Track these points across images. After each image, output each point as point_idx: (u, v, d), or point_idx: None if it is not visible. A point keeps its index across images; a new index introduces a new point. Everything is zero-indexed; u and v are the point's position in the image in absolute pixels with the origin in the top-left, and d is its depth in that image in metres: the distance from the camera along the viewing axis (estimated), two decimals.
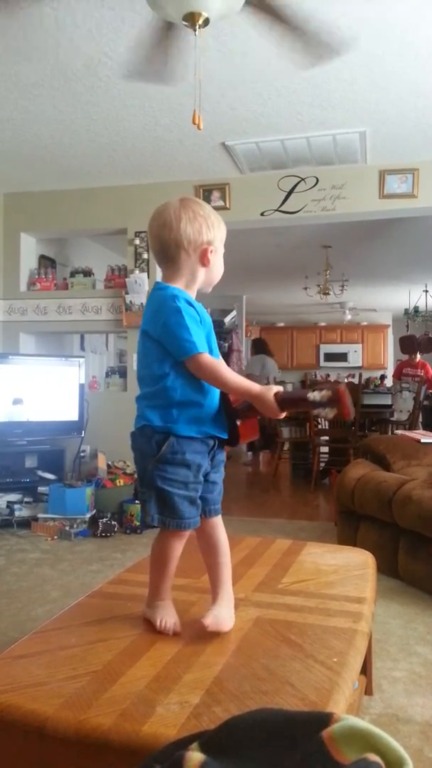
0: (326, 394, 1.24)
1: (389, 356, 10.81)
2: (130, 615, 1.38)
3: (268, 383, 1.39)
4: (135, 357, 4.64)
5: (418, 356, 8.06)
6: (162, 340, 1.28)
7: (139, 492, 1.37)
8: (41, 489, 4.09)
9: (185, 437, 1.29)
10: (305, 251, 6.37)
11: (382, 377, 9.96)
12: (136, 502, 3.95)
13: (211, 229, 1.34)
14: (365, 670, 1.70)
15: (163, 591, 1.37)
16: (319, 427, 5.82)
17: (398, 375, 7.97)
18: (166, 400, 1.29)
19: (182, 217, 1.32)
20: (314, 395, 1.25)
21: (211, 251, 1.35)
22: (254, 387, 1.27)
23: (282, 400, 1.26)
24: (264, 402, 1.26)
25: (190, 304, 1.30)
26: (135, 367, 1.28)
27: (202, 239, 1.33)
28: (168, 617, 1.31)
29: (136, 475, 1.34)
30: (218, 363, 1.28)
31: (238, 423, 1.35)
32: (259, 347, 7.74)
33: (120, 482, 4.08)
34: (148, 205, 4.69)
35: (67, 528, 3.73)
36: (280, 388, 1.28)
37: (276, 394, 1.26)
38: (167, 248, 1.34)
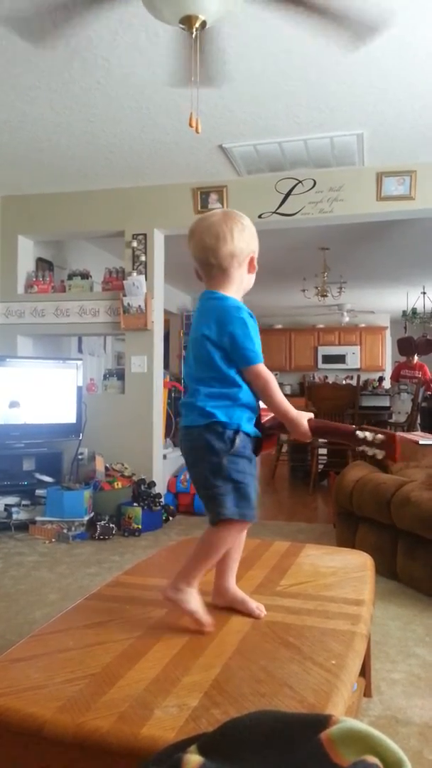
0: (380, 438, 1.36)
1: (387, 358, 10.81)
2: (128, 618, 1.38)
3: None
4: (133, 359, 4.59)
5: (416, 358, 8.07)
6: (228, 349, 1.37)
7: (208, 487, 1.37)
8: (39, 492, 4.08)
9: (248, 434, 1.39)
10: (303, 253, 6.38)
11: (381, 379, 9.96)
12: (134, 504, 3.95)
13: (254, 239, 1.47)
14: (364, 672, 1.69)
15: (200, 579, 1.41)
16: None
17: (396, 377, 7.98)
18: (235, 401, 1.38)
19: (234, 230, 1.42)
20: (365, 434, 1.37)
21: (254, 259, 1.47)
22: (291, 410, 1.40)
23: (315, 428, 1.40)
24: (298, 426, 1.39)
25: (251, 316, 1.41)
26: (185, 367, 1.41)
27: (250, 249, 1.45)
28: (201, 604, 1.37)
29: (203, 471, 1.33)
30: (272, 377, 1.40)
31: (263, 437, 1.46)
32: None
33: (118, 485, 4.08)
34: (145, 207, 4.74)
35: (65, 531, 3.73)
36: (311, 415, 1.42)
37: (309, 420, 1.40)
38: (222, 260, 1.42)
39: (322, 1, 2.39)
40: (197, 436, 1.37)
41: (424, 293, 8.40)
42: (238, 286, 1.46)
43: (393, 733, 1.59)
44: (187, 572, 1.39)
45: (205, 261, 1.43)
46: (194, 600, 1.35)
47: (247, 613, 1.40)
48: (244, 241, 1.42)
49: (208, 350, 1.37)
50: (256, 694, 1.03)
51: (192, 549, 1.41)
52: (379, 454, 1.36)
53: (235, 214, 1.45)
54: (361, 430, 1.38)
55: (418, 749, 1.53)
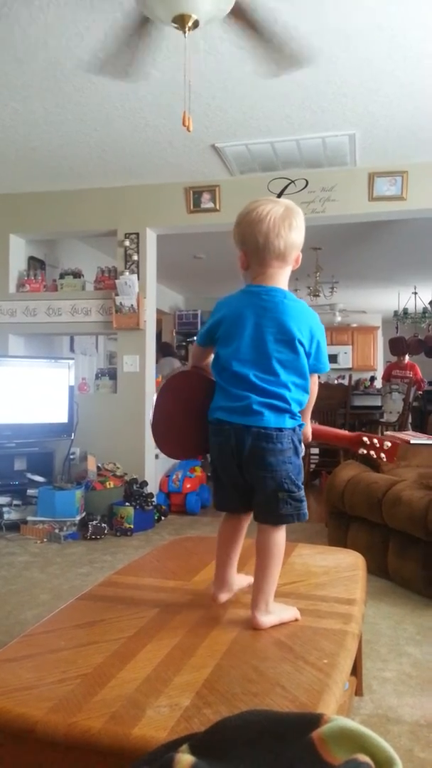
0: (388, 445, 1.52)
1: (379, 358, 10.85)
2: (120, 618, 1.37)
3: None
4: (125, 358, 4.59)
5: (407, 358, 8.10)
6: (312, 355, 1.41)
7: (292, 489, 1.37)
8: (30, 491, 4.07)
9: None
10: None
11: (372, 379, 9.99)
12: (126, 504, 3.94)
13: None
14: (355, 671, 1.70)
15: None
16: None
17: (387, 377, 8.01)
18: (302, 406, 1.43)
19: (301, 222, 1.43)
20: (366, 440, 1.55)
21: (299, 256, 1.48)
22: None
23: (315, 431, 1.57)
24: (306, 428, 1.50)
25: None
26: (276, 369, 1.37)
27: (302, 244, 1.45)
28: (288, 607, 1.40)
29: (288, 473, 1.36)
30: None
31: None
32: (166, 350, 7.74)
33: (110, 484, 4.07)
34: (138, 206, 4.73)
35: (57, 531, 3.72)
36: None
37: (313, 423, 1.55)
38: (290, 249, 1.40)
39: (269, 28, 2.50)
40: (283, 438, 1.36)
41: (416, 293, 8.43)
42: (288, 280, 1.46)
43: (384, 732, 1.60)
44: (268, 589, 1.37)
45: (276, 248, 1.38)
46: (286, 610, 1.37)
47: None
48: (302, 235, 1.43)
49: (301, 356, 1.38)
50: (248, 694, 1.03)
51: (258, 565, 1.39)
52: (384, 457, 1.52)
53: (298, 208, 1.45)
54: (363, 441, 1.54)
55: (408, 747, 1.53)
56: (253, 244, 1.39)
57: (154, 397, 1.51)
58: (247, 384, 1.36)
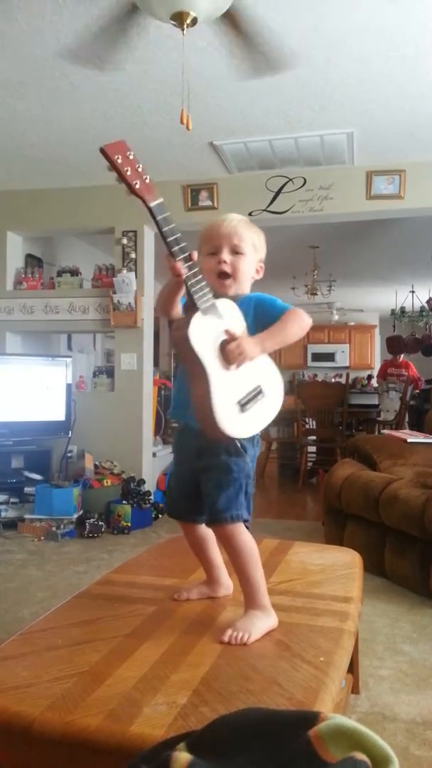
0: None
1: (376, 356, 10.86)
2: (117, 616, 1.37)
3: None
4: (123, 356, 4.62)
5: (402, 356, 8.12)
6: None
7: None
8: (28, 489, 4.06)
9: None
10: (293, 251, 6.38)
11: (369, 377, 9.99)
12: (124, 502, 3.94)
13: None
14: (352, 668, 1.70)
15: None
16: (307, 427, 5.84)
17: (383, 375, 8.02)
18: None
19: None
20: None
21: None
22: None
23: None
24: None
25: None
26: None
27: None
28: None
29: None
30: None
31: None
32: None
33: (107, 482, 4.07)
34: (135, 204, 4.69)
35: (54, 529, 3.71)
36: None
37: None
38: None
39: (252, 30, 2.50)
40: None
41: (413, 292, 8.44)
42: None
43: (380, 730, 1.60)
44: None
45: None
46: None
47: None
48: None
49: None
50: (245, 692, 1.04)
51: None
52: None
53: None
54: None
55: (404, 745, 1.54)
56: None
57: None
58: None
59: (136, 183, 1.23)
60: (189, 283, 1.26)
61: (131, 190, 1.23)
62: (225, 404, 1.28)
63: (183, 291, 1.30)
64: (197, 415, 1.31)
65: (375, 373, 10.47)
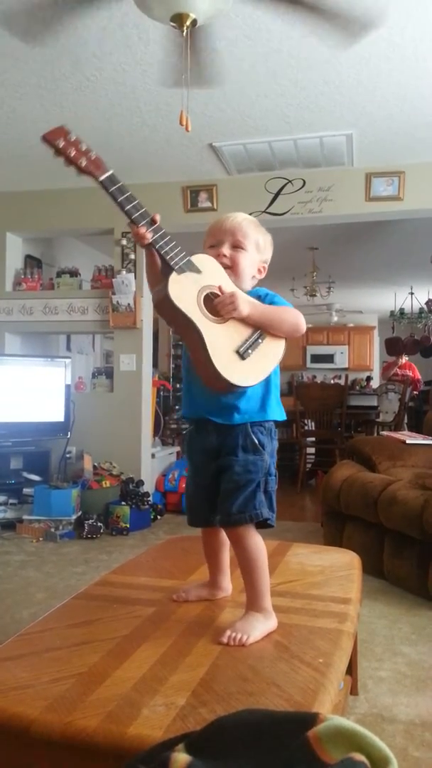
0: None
1: (375, 358, 10.87)
2: (115, 617, 1.37)
3: None
4: (122, 357, 4.61)
5: (405, 358, 8.13)
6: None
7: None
8: (26, 490, 4.06)
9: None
10: (292, 253, 6.39)
11: (368, 378, 10.00)
12: (122, 503, 3.94)
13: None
14: (351, 670, 1.70)
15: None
16: (306, 428, 5.84)
17: (386, 375, 8.04)
18: None
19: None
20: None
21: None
22: None
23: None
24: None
25: None
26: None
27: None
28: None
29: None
30: None
31: None
32: None
33: (106, 483, 4.07)
34: None
35: (53, 530, 3.71)
36: None
37: None
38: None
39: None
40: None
41: (412, 293, 8.44)
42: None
43: (379, 731, 1.60)
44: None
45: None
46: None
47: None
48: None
49: None
50: (244, 693, 1.04)
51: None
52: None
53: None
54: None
55: (403, 746, 1.54)
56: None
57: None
58: None
59: (82, 161, 1.24)
60: (158, 245, 1.27)
61: (79, 169, 1.24)
62: (223, 354, 1.26)
63: (158, 258, 1.30)
64: (199, 373, 1.30)
65: (374, 374, 10.49)
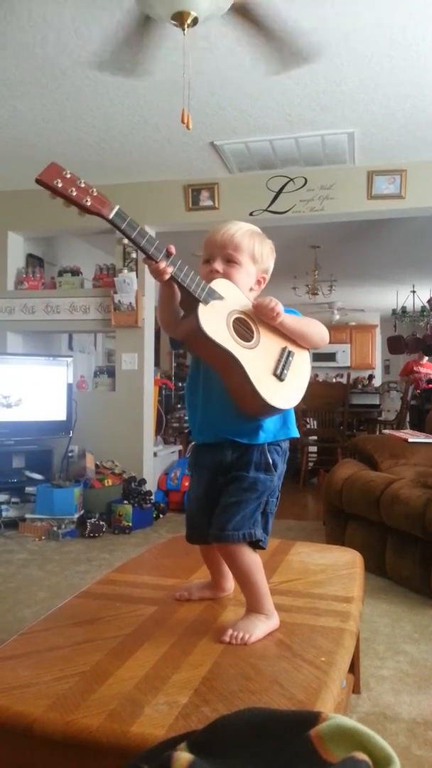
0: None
1: (377, 356, 10.86)
2: (118, 615, 1.37)
3: None
4: (124, 356, 4.61)
5: (425, 358, 8.19)
6: None
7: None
8: (29, 489, 4.06)
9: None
10: (294, 251, 6.38)
11: (370, 377, 10.01)
12: (125, 502, 3.94)
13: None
14: (353, 668, 1.70)
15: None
16: (308, 427, 5.84)
17: (407, 373, 8.05)
18: None
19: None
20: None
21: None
22: None
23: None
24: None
25: None
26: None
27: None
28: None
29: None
30: None
31: None
32: None
33: (108, 482, 4.07)
34: (136, 204, 4.71)
35: (55, 528, 3.72)
36: None
37: None
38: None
39: (271, 24, 2.48)
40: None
41: (414, 292, 8.44)
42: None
43: (381, 730, 1.60)
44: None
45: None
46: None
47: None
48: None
49: None
50: (246, 692, 1.04)
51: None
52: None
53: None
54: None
55: (406, 745, 1.54)
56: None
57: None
58: None
59: (86, 201, 1.15)
60: (179, 278, 1.22)
61: (84, 209, 1.16)
62: (263, 380, 1.25)
63: (177, 291, 1.26)
64: (240, 403, 1.27)
65: (376, 372, 10.49)
